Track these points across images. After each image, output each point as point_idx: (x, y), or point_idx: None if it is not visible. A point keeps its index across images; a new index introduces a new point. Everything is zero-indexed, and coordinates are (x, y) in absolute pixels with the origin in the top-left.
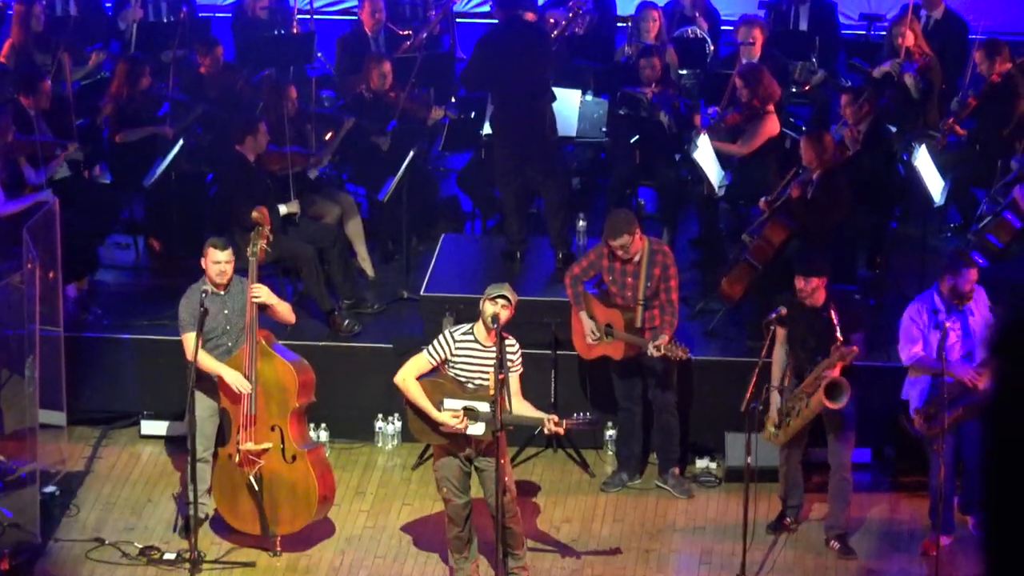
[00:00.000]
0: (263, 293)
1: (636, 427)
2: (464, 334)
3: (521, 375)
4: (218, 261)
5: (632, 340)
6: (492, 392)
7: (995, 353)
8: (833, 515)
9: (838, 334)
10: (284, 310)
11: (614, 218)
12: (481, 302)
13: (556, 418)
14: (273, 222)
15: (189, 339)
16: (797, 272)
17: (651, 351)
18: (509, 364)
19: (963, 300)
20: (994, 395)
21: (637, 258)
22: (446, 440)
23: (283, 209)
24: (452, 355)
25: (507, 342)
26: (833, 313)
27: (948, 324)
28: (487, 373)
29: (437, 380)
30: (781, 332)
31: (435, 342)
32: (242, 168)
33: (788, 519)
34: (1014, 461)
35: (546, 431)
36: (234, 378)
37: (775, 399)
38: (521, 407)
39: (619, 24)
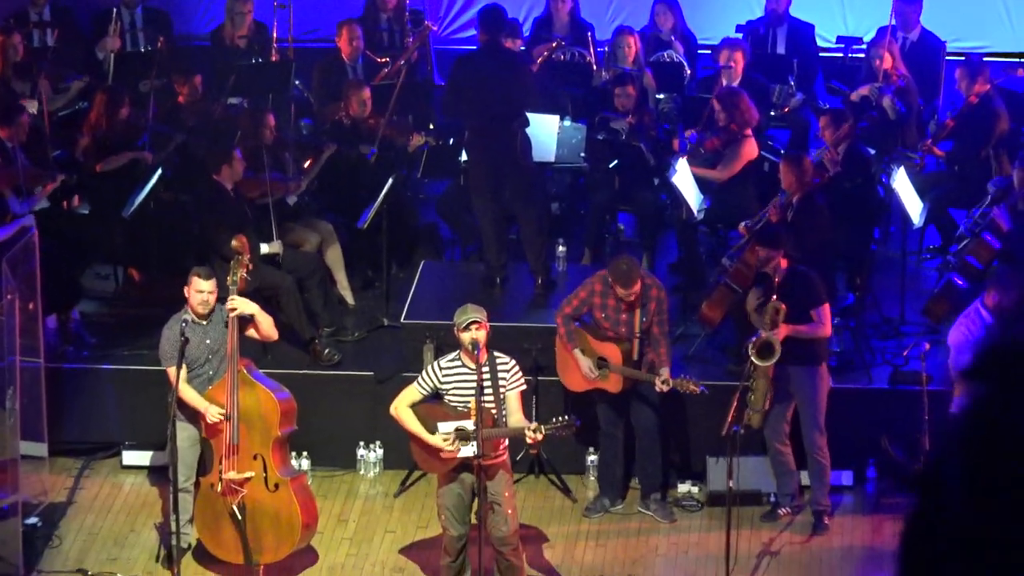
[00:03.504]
0: (239, 303)
1: (619, 452)
2: (450, 361)
3: (523, 392)
4: (201, 291)
5: (632, 374)
6: (473, 416)
7: (974, 375)
8: (814, 498)
9: (774, 296)
10: (266, 323)
11: (623, 266)
12: (455, 333)
13: (535, 424)
14: (253, 251)
15: (171, 372)
16: (756, 242)
17: (659, 386)
18: (504, 383)
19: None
20: (967, 417)
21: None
22: (448, 468)
23: (265, 248)
24: (441, 383)
25: (500, 360)
26: (777, 279)
27: None
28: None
29: (431, 406)
30: (753, 300)
31: (423, 373)
32: (219, 197)
33: (783, 508)
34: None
35: (527, 439)
36: (212, 414)
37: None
38: (513, 423)
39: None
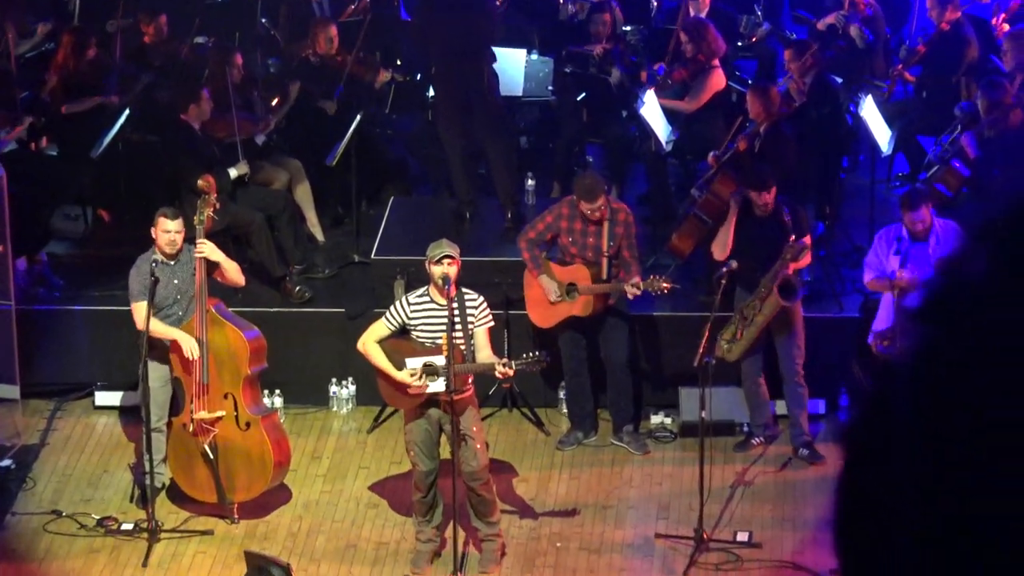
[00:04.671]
0: (207, 248)
1: (586, 385)
2: (419, 296)
3: (490, 329)
4: (168, 231)
5: (602, 288)
6: (445, 351)
7: (922, 317)
8: (794, 424)
9: (791, 236)
10: (232, 269)
11: (587, 181)
12: (426, 265)
13: (505, 359)
14: (222, 189)
15: (139, 308)
16: (751, 188)
17: (630, 289)
18: (472, 319)
19: (916, 237)
20: (914, 359)
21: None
22: (415, 403)
23: (233, 172)
24: (409, 319)
25: (468, 296)
26: (786, 216)
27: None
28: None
29: (399, 341)
30: (734, 214)
31: (391, 308)
32: (187, 136)
33: (756, 439)
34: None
35: (497, 374)
36: (186, 341)
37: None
38: (483, 359)
39: None
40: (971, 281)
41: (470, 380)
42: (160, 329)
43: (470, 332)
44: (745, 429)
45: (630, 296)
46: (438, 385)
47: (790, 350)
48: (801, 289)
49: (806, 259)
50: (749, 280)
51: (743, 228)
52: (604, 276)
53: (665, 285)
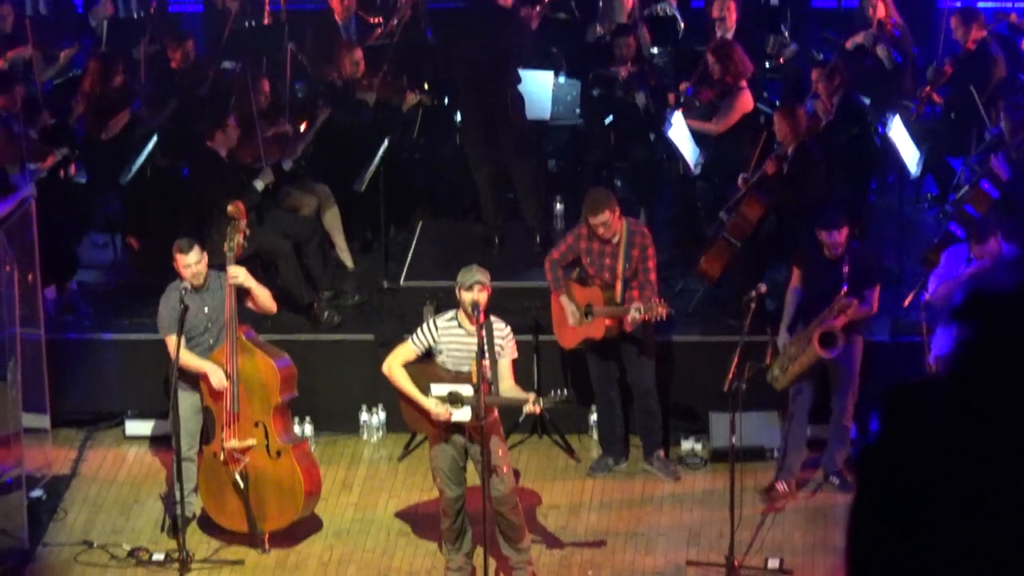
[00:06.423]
0: (241, 274)
1: (616, 410)
2: (448, 320)
3: (514, 360)
4: (188, 265)
5: (612, 312)
6: (474, 380)
7: (959, 316)
8: (829, 455)
9: (844, 287)
10: (264, 296)
11: (593, 195)
12: (457, 291)
13: (534, 395)
14: (251, 207)
15: (171, 341)
16: (821, 227)
17: (633, 314)
18: (499, 349)
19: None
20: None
21: (615, 239)
22: (439, 428)
23: (259, 184)
24: (437, 342)
25: (496, 325)
26: (845, 268)
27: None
28: (474, 359)
29: (424, 365)
30: (797, 273)
31: (419, 330)
32: (214, 163)
33: (781, 484)
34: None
35: (525, 411)
36: (215, 373)
37: (783, 336)
38: (511, 392)
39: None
40: (1010, 290)
41: (495, 408)
42: (191, 362)
43: (495, 361)
44: (776, 455)
45: (628, 321)
46: (463, 414)
47: (844, 387)
48: (842, 344)
49: (869, 310)
50: (808, 317)
51: (812, 267)
52: (618, 299)
53: (662, 310)
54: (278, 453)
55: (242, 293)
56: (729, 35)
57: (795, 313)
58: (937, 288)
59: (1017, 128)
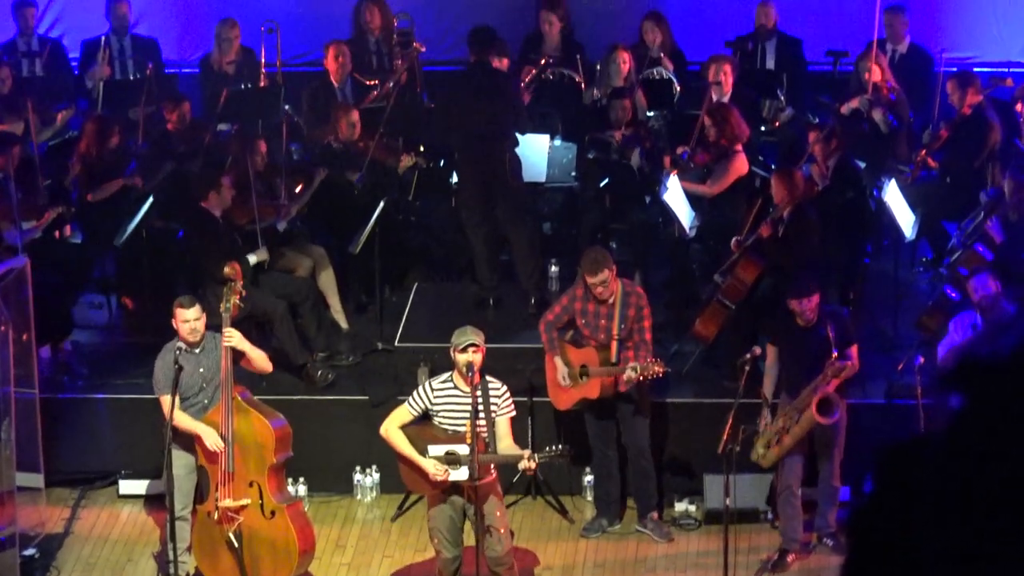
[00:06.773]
0: (235, 336)
1: (613, 471)
2: (443, 383)
3: (512, 418)
4: (187, 320)
5: (608, 371)
6: (468, 440)
7: (949, 383)
8: (822, 516)
9: (834, 351)
10: (259, 357)
11: (591, 255)
12: (451, 352)
13: (529, 452)
14: (244, 276)
15: (165, 401)
16: (792, 297)
17: (629, 373)
18: (495, 408)
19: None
20: (948, 426)
21: (611, 300)
22: (437, 489)
23: (253, 258)
24: (432, 404)
25: (492, 385)
26: (830, 331)
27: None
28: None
29: (421, 427)
30: (773, 350)
31: (415, 393)
32: (208, 224)
33: (791, 555)
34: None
35: (521, 467)
36: (210, 436)
37: (766, 415)
38: (507, 450)
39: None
40: (1005, 353)
41: (492, 467)
42: (185, 424)
43: (492, 420)
44: (770, 517)
45: (623, 380)
46: (460, 473)
47: (831, 449)
48: (841, 408)
49: (855, 369)
50: (793, 389)
51: (787, 338)
52: (613, 359)
53: (658, 369)
54: (272, 513)
55: (237, 354)
56: (725, 99)
57: (775, 388)
58: (944, 356)
59: (1018, 188)
